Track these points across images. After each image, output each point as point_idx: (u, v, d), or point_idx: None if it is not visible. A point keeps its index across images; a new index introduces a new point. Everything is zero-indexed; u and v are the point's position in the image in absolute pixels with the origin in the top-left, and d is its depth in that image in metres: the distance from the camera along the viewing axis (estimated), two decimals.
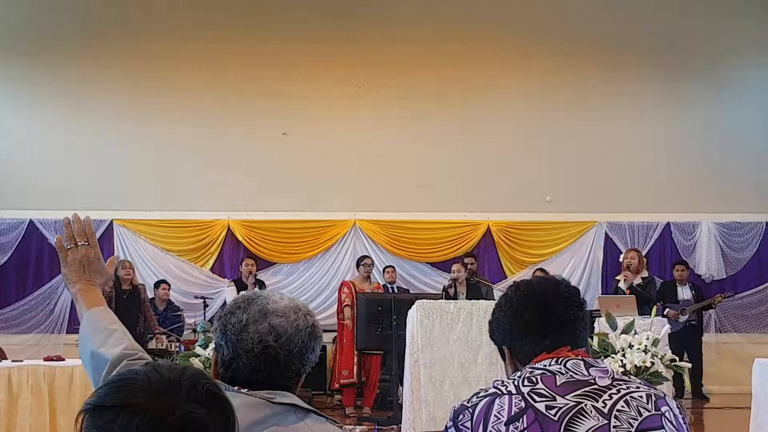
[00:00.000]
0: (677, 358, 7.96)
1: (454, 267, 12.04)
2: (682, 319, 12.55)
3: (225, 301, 12.57)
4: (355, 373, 11.47)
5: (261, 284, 12.60)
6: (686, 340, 12.57)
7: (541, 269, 13.21)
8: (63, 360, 8.49)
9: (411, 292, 12.73)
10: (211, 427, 1.45)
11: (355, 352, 11.38)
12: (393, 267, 13.01)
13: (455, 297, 11.47)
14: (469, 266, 12.44)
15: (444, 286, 12.21)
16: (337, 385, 11.73)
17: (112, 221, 13.56)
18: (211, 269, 13.73)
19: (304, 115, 13.90)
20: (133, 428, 1.39)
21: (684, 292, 12.88)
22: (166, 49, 13.90)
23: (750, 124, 14.32)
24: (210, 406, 1.46)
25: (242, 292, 2.53)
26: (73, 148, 13.70)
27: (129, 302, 11.48)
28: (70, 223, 2.65)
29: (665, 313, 12.46)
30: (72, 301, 2.67)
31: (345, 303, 11.70)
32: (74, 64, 13.78)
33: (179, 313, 12.61)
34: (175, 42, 13.92)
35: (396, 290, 12.52)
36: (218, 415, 1.47)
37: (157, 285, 12.70)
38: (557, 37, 14.27)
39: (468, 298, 11.25)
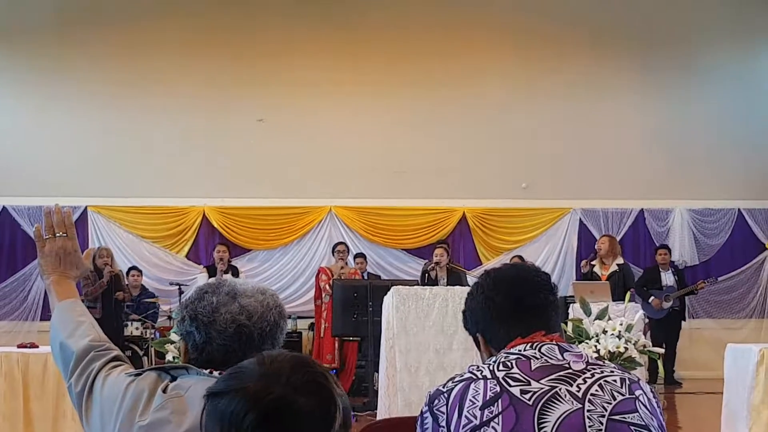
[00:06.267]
0: (650, 344, 8.01)
1: (437, 251, 11.96)
2: (667, 305, 12.62)
3: None
4: (336, 358, 11.55)
5: (235, 270, 12.57)
6: (669, 326, 12.67)
7: (518, 256, 13.24)
8: (37, 347, 8.42)
9: (385, 278, 12.74)
10: (307, 414, 1.52)
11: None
12: (363, 256, 13.05)
13: (436, 281, 11.48)
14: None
15: (424, 269, 12.13)
16: None
17: (86, 208, 13.49)
18: (187, 256, 13.70)
19: (279, 102, 13.86)
20: (231, 409, 1.52)
21: (667, 278, 12.95)
22: (141, 37, 13.80)
23: (722, 112, 14.40)
24: (309, 393, 1.53)
25: (208, 280, 2.56)
26: (48, 134, 13.60)
27: (112, 289, 11.50)
28: (50, 213, 2.65)
29: (650, 300, 12.55)
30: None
31: (324, 289, 11.78)
32: (49, 52, 13.66)
33: (153, 299, 12.59)
34: (150, 30, 13.83)
35: (367, 277, 12.55)
36: (317, 403, 1.54)
37: (127, 272, 12.68)
38: (534, 26, 14.28)
39: (448, 283, 11.27)
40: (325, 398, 1.56)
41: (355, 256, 13.02)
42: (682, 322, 13.10)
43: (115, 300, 11.57)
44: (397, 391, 8.25)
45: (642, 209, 14.27)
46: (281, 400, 1.51)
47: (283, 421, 1.51)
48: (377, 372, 9.47)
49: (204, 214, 13.72)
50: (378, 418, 8.51)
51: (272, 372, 1.55)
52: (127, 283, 12.28)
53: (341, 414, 1.57)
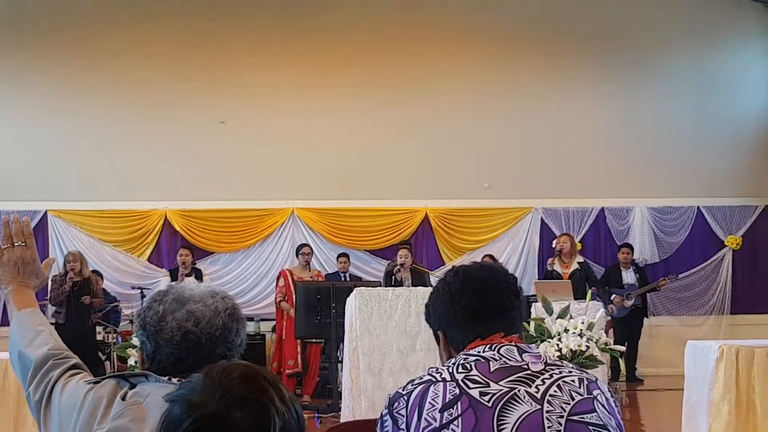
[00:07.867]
0: (611, 342, 8.07)
1: (401, 252, 11.97)
2: (629, 303, 12.68)
3: None
4: (299, 362, 11.53)
5: (198, 273, 12.51)
6: (631, 324, 12.75)
7: (490, 255, 13.25)
8: None
9: (366, 279, 12.81)
10: (240, 430, 1.56)
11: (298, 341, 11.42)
12: (347, 256, 13.06)
13: (401, 283, 11.49)
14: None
15: (389, 270, 12.10)
16: (284, 372, 11.68)
17: (46, 212, 13.37)
18: (148, 259, 13.61)
19: (241, 104, 13.81)
20: (172, 416, 1.59)
21: (629, 276, 13.01)
22: (100, 39, 13.68)
23: (680, 111, 14.52)
24: (246, 409, 1.57)
25: (161, 287, 2.55)
26: (6, 138, 13.46)
27: (80, 294, 11.42)
28: (9, 223, 2.64)
29: (611, 298, 12.64)
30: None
31: (281, 293, 11.76)
32: (7, 54, 13.51)
33: (115, 303, 12.49)
34: (110, 31, 13.71)
35: (349, 278, 12.56)
36: (253, 419, 1.57)
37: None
38: (496, 26, 14.34)
39: (412, 284, 11.30)
40: (262, 414, 1.57)
41: (338, 257, 13.10)
42: (645, 320, 13.20)
43: (81, 304, 11.47)
44: (361, 392, 8.25)
45: (602, 208, 14.37)
46: (215, 414, 1.55)
47: None
48: (341, 373, 9.47)
49: (166, 218, 13.64)
50: (342, 419, 8.52)
51: (214, 386, 1.58)
52: (97, 288, 12.16)
53: (279, 430, 1.58)
